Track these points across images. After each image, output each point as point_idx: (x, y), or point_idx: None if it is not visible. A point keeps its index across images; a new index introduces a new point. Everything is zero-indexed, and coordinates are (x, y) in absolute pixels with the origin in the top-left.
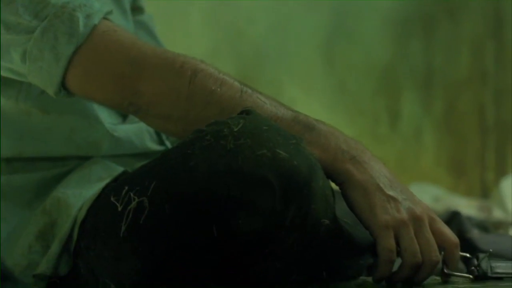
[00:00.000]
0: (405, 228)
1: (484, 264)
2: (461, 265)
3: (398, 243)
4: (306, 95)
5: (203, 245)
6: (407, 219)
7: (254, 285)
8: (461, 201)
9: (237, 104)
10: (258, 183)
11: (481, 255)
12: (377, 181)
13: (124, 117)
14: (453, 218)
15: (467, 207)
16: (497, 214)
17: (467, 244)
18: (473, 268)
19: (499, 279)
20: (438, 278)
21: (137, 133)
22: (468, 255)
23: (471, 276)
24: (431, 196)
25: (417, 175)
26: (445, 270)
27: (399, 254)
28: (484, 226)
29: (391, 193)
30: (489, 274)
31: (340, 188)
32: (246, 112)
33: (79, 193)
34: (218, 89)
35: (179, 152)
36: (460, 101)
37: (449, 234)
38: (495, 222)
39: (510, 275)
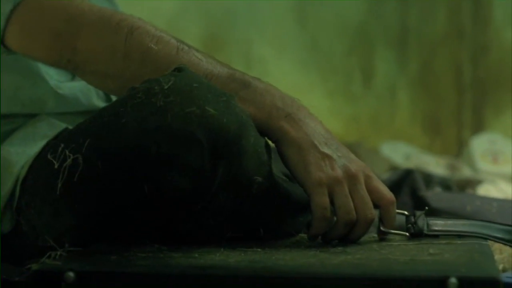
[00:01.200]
0: (339, 185)
1: (421, 222)
2: (401, 223)
3: (333, 201)
4: (277, 54)
5: (135, 202)
6: (341, 177)
7: (190, 241)
8: (430, 159)
9: (172, 62)
10: (186, 140)
11: (417, 213)
12: (312, 138)
13: (73, 75)
14: (407, 176)
15: (436, 165)
16: (466, 172)
17: (419, 202)
18: (409, 225)
19: (436, 236)
20: (375, 235)
21: (84, 90)
22: (405, 212)
23: (407, 234)
24: (403, 154)
25: (392, 134)
26: (381, 228)
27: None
28: (447, 184)
29: (326, 150)
30: (425, 232)
31: (276, 146)
32: (178, 70)
33: (22, 151)
34: (154, 47)
35: (112, 110)
36: (436, 59)
37: (385, 191)
38: (462, 180)
39: (447, 233)
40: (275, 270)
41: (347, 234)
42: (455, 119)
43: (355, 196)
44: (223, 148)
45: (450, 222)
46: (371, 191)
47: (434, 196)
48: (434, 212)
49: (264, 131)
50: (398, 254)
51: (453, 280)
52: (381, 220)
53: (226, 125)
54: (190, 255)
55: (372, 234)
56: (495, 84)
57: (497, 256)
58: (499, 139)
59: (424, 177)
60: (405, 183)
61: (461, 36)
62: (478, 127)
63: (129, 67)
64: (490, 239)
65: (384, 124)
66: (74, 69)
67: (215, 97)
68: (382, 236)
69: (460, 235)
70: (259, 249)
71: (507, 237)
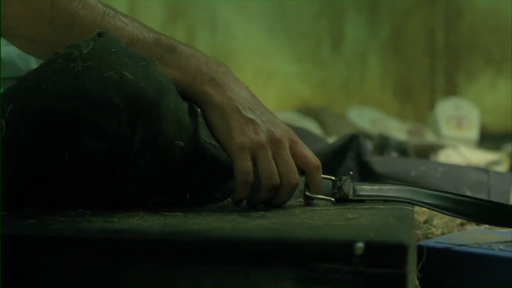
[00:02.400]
0: (263, 150)
1: (346, 187)
2: (327, 188)
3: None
4: (243, 18)
5: (57, 166)
6: (265, 142)
7: (115, 205)
8: (395, 124)
9: (97, 27)
10: (103, 104)
11: (343, 178)
12: (236, 103)
13: None
14: (352, 141)
15: (399, 130)
16: (430, 137)
17: (364, 166)
18: (335, 190)
19: (361, 201)
20: (301, 200)
21: (21, 55)
22: (332, 178)
23: (332, 199)
24: (369, 119)
25: (362, 99)
26: (307, 193)
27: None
28: (403, 149)
29: (250, 115)
30: (351, 197)
31: (201, 110)
32: (99, 35)
33: None
34: (80, 12)
35: (34, 75)
36: (408, 24)
37: (310, 156)
38: (423, 145)
39: (373, 198)
40: (184, 235)
41: (271, 199)
42: (428, 85)
43: (279, 161)
44: (141, 113)
45: (376, 187)
46: (296, 156)
47: (378, 161)
48: (377, 177)
49: (188, 95)
50: (316, 219)
51: (359, 244)
52: (306, 185)
53: (144, 90)
54: (109, 220)
55: (300, 199)
56: (468, 49)
57: (436, 222)
58: (464, 105)
59: (382, 141)
60: (350, 148)
61: (434, 1)
62: (451, 92)
63: (55, 32)
64: (416, 204)
65: (354, 89)
66: (2, 34)
67: (133, 62)
68: (308, 201)
69: (386, 200)
70: (180, 214)
71: (434, 202)
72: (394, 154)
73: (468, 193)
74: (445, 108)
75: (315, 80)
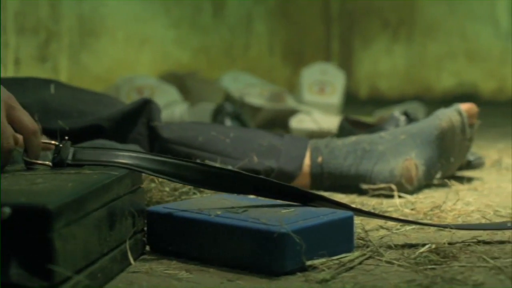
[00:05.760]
0: None
1: (65, 152)
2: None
3: None
4: None
5: None
6: None
7: None
8: (255, 90)
9: None
10: None
11: (63, 143)
12: None
13: None
14: (144, 107)
15: (259, 96)
16: (291, 102)
17: (151, 131)
18: (55, 155)
19: (80, 166)
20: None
21: None
22: (53, 142)
23: (50, 164)
24: (244, 84)
25: (248, 65)
26: (24, 157)
27: None
28: (237, 115)
29: None
30: (69, 162)
31: None
32: None
33: None
34: None
35: None
36: None
37: (27, 121)
38: (278, 110)
39: (92, 163)
40: None
41: None
42: (323, 50)
43: None
44: None
45: (99, 152)
46: (13, 121)
47: (166, 126)
48: (164, 143)
49: None
50: (7, 183)
51: (6, 209)
52: (25, 150)
53: None
54: None
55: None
56: (364, 14)
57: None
58: (331, 70)
59: (218, 108)
60: (142, 114)
61: None
62: (347, 58)
63: None
64: (134, 170)
65: (238, 55)
66: None
67: None
68: (28, 166)
69: (105, 165)
70: None
71: (160, 168)
72: (228, 121)
73: (255, 159)
74: (310, 74)
75: (195, 46)
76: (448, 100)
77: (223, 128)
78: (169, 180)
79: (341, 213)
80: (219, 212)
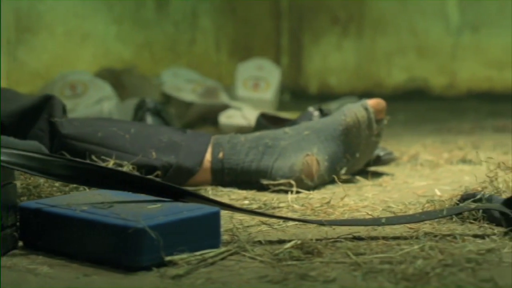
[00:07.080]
0: None
1: None
2: None
3: None
4: None
5: None
6: None
7: None
8: (188, 86)
9: None
10: None
11: None
12: None
13: None
14: (46, 102)
15: (191, 91)
16: (224, 98)
17: (52, 127)
18: None
19: None
20: None
21: None
22: None
23: None
24: (185, 80)
25: (193, 61)
26: None
27: None
28: (158, 111)
29: None
30: None
31: None
32: None
33: None
34: None
35: None
36: None
37: None
38: (209, 105)
39: None
40: None
41: None
42: (272, 46)
43: None
44: None
45: None
46: None
47: (66, 122)
48: (64, 138)
49: None
50: None
51: None
52: None
53: None
54: None
55: None
56: (313, 10)
57: None
58: (267, 65)
59: (139, 103)
60: (44, 110)
61: None
62: (296, 53)
63: None
64: (3, 166)
65: (183, 50)
66: None
67: None
68: None
69: None
70: None
71: (25, 163)
72: (148, 117)
73: (153, 154)
74: (246, 69)
75: (138, 41)
76: (398, 95)
77: (125, 124)
78: (37, 175)
79: (207, 209)
80: (85, 208)
